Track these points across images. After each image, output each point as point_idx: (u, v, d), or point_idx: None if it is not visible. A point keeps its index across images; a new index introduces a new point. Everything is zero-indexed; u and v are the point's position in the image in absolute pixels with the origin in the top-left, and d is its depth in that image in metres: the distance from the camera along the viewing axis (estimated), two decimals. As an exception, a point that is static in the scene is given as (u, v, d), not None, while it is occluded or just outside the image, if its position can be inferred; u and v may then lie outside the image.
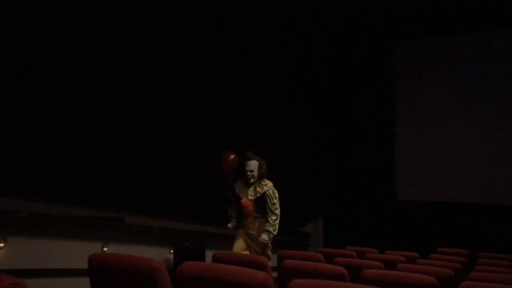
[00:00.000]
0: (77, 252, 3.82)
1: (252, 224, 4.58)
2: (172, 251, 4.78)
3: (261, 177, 4.60)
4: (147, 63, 5.29)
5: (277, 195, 4.59)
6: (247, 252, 4.56)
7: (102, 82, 4.77)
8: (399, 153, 9.08)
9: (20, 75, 3.76)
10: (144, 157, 5.24)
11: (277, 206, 4.56)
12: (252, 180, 4.55)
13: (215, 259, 3.13)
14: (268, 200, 4.54)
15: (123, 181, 4.96)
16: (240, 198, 4.60)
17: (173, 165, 5.67)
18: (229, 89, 6.48)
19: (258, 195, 4.56)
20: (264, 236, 4.46)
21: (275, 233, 4.52)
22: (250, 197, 4.55)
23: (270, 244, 4.58)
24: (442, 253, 5.32)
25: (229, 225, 4.71)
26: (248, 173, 4.53)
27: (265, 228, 4.49)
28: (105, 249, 3.95)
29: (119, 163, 4.94)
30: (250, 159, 4.58)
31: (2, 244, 3.33)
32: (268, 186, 4.59)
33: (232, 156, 4.63)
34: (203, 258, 4.69)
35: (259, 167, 4.59)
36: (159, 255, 4.65)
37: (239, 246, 4.59)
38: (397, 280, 2.67)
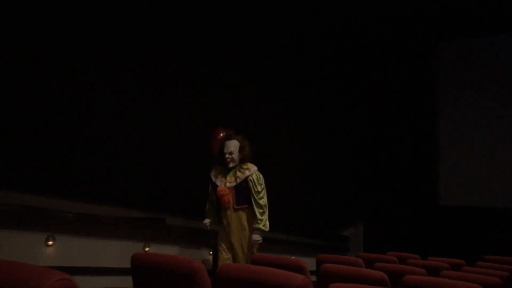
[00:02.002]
0: (120, 251, 3.94)
1: (232, 218, 3.82)
2: (211, 252, 4.84)
3: (243, 160, 3.84)
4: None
5: (262, 181, 3.83)
6: (229, 261, 3.82)
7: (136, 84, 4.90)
8: (443, 156, 8.79)
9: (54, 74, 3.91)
10: (186, 160, 5.32)
11: (263, 194, 3.81)
12: (231, 164, 3.79)
13: (253, 261, 3.14)
14: (252, 188, 3.77)
15: (165, 184, 5.07)
16: (215, 186, 3.87)
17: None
18: (262, 88, 6.46)
19: (238, 181, 3.78)
20: (256, 237, 3.80)
21: (267, 229, 3.82)
22: (228, 184, 3.80)
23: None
24: (489, 260, 5.09)
25: (205, 221, 3.96)
26: (227, 155, 3.77)
27: (254, 226, 3.79)
28: (147, 249, 4.05)
29: (162, 167, 5.05)
30: (229, 138, 3.83)
31: (51, 243, 3.48)
32: (250, 170, 3.81)
33: (222, 134, 3.92)
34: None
35: (241, 149, 3.82)
36: (199, 256, 4.71)
37: (224, 252, 3.88)
38: (440, 287, 2.58)
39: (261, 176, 3.85)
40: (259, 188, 3.80)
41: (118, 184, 4.40)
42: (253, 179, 3.80)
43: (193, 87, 5.22)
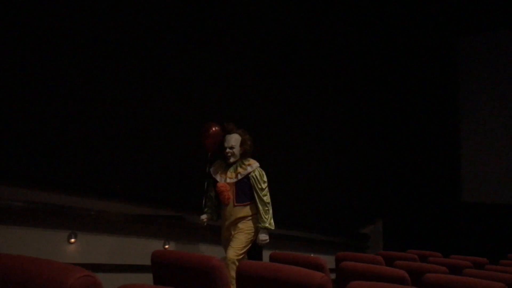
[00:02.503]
0: (140, 249, 3.99)
1: (231, 215, 3.65)
2: (230, 250, 4.85)
3: (244, 155, 3.69)
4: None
5: (265, 178, 3.66)
6: None
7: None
8: (464, 152, 8.63)
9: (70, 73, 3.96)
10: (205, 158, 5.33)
11: (266, 192, 3.65)
12: (232, 160, 3.64)
13: (272, 258, 3.15)
14: (254, 185, 3.61)
15: (184, 181, 5.10)
16: (215, 182, 3.73)
17: None
18: (281, 82, 6.43)
19: (239, 177, 3.62)
20: (263, 236, 3.63)
21: (273, 227, 3.66)
22: (229, 180, 3.65)
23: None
24: (513, 259, 4.99)
25: (202, 216, 3.80)
26: (227, 150, 3.63)
27: (260, 226, 3.62)
28: (167, 246, 4.10)
29: (181, 165, 5.08)
30: (230, 132, 3.68)
31: (73, 240, 3.55)
32: (252, 166, 3.65)
33: (214, 128, 3.78)
34: (260, 257, 4.72)
35: (242, 143, 3.66)
36: (218, 254, 4.74)
37: (225, 242, 3.75)
38: (463, 286, 2.54)
39: (263, 172, 3.68)
40: (263, 185, 3.62)
41: (138, 182, 4.45)
42: (255, 175, 3.62)
43: (207, 82, 5.21)
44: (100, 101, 4.00)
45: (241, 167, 3.66)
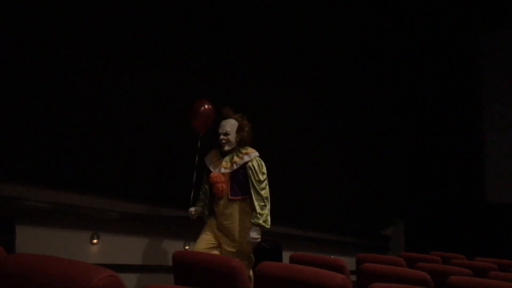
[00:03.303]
0: (161, 250, 4.03)
1: (226, 209, 3.26)
2: (250, 251, 4.86)
3: (241, 143, 3.29)
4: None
5: (264, 170, 3.27)
6: (216, 252, 3.28)
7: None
8: (489, 151, 8.43)
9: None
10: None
11: (265, 185, 3.26)
12: (227, 148, 3.26)
13: (292, 259, 3.14)
14: (252, 176, 3.21)
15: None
16: (209, 172, 3.33)
17: None
18: (302, 82, 6.38)
19: (235, 167, 3.23)
20: (254, 234, 3.20)
21: (268, 225, 3.25)
22: (223, 170, 3.25)
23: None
24: (541, 261, 4.86)
25: (191, 209, 3.41)
26: (222, 136, 3.24)
27: (252, 221, 3.20)
28: (187, 247, 4.13)
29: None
30: (226, 117, 3.30)
31: (95, 241, 3.61)
32: (250, 155, 3.25)
33: (206, 107, 3.49)
34: (280, 259, 4.71)
35: (239, 129, 3.27)
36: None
37: (204, 242, 3.28)
38: (488, 289, 2.49)
39: (262, 163, 3.29)
40: (261, 177, 3.22)
41: (159, 184, 4.49)
42: (253, 166, 3.21)
43: (218, 80, 5.19)
44: (115, 105, 4.02)
45: (237, 156, 3.26)
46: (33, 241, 3.13)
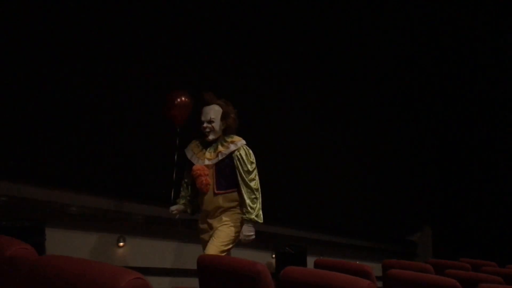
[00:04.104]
0: (186, 253, 4.06)
1: (210, 206, 2.94)
2: (274, 255, 4.85)
3: (227, 132, 2.99)
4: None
5: (253, 158, 2.97)
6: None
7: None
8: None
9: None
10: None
11: (255, 175, 2.95)
12: (212, 137, 2.94)
13: (317, 265, 3.11)
14: (239, 166, 2.91)
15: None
16: (191, 165, 3.00)
17: (280, 172, 5.61)
18: (327, 85, 6.31)
19: (220, 157, 2.92)
20: (247, 231, 2.92)
21: (261, 220, 2.97)
22: (208, 162, 2.94)
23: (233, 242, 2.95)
24: None
25: (172, 208, 3.06)
26: (205, 124, 2.93)
27: (244, 217, 2.91)
28: (211, 251, 4.13)
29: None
30: (209, 103, 2.98)
31: (122, 244, 3.66)
32: (237, 143, 2.94)
33: (181, 99, 3.31)
34: (304, 264, 4.68)
35: (224, 116, 2.96)
36: (262, 259, 4.75)
37: (205, 236, 3.04)
38: (520, 297, 2.40)
39: (250, 151, 2.98)
40: (249, 167, 2.92)
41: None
42: (240, 155, 2.91)
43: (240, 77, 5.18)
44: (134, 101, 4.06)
45: (222, 145, 2.95)
46: (62, 244, 3.21)
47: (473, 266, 4.20)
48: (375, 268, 4.11)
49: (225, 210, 2.96)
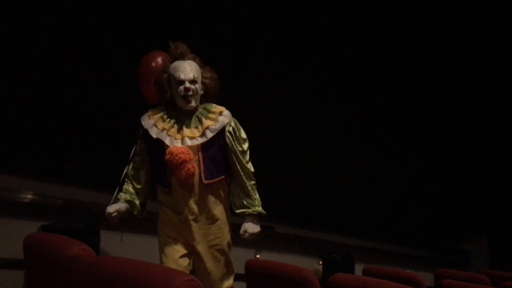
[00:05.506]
0: (234, 257, 4.09)
1: (195, 203, 2.19)
2: (320, 262, 4.79)
3: (208, 98, 2.27)
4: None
5: (244, 134, 2.29)
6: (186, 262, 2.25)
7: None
8: None
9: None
10: (291, 167, 5.31)
11: (249, 156, 2.29)
12: (193, 104, 2.17)
13: (365, 272, 3.05)
14: (233, 146, 2.24)
15: (274, 191, 5.12)
16: (160, 147, 2.16)
17: (328, 177, 5.52)
18: (371, 87, 6.15)
19: (208, 135, 2.17)
20: (253, 228, 2.28)
21: (264, 212, 2.34)
22: (190, 142, 2.15)
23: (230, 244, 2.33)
24: None
25: (111, 209, 2.19)
26: (188, 85, 2.13)
27: (250, 211, 2.28)
28: (258, 256, 4.16)
29: (274, 176, 5.09)
30: (183, 56, 2.21)
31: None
32: (225, 114, 2.25)
33: (160, 59, 2.38)
34: (352, 271, 4.60)
35: (205, 77, 2.24)
36: (308, 265, 4.70)
37: (174, 254, 2.21)
38: None
39: (239, 125, 2.30)
40: (244, 146, 2.26)
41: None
42: (233, 130, 2.24)
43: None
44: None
45: (206, 117, 2.19)
46: (116, 246, 3.32)
47: (533, 279, 3.97)
48: (426, 278, 3.97)
49: (213, 206, 2.24)
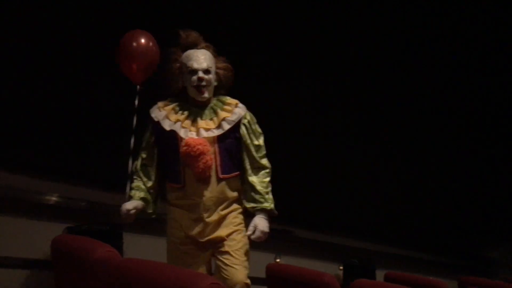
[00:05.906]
0: (254, 261, 4.09)
1: (209, 197, 2.06)
2: (341, 267, 4.75)
3: (221, 88, 2.21)
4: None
5: (260, 129, 2.20)
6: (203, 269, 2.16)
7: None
8: None
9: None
10: (313, 172, 5.30)
11: (264, 150, 2.17)
12: (207, 95, 2.10)
13: (388, 278, 3.01)
14: (248, 139, 2.14)
15: (293, 196, 5.12)
16: (173, 139, 2.07)
17: (351, 183, 5.47)
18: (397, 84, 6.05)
19: (226, 127, 2.10)
20: (265, 227, 2.10)
21: (276, 211, 2.19)
22: (206, 134, 2.07)
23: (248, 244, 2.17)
24: None
25: (128, 206, 2.09)
26: (201, 75, 2.06)
27: (259, 207, 2.12)
28: (278, 260, 4.15)
29: (292, 181, 5.09)
30: (195, 45, 2.14)
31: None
32: (241, 106, 2.17)
33: (143, 41, 2.39)
34: (373, 277, 4.54)
35: (219, 67, 2.17)
36: (328, 270, 4.66)
37: (193, 262, 2.14)
38: None
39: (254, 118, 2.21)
40: (261, 140, 2.16)
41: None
42: (249, 123, 2.15)
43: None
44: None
45: (222, 109, 2.13)
46: (137, 248, 3.36)
47: (562, 288, 3.84)
48: (450, 285, 3.90)
49: (229, 203, 2.13)
